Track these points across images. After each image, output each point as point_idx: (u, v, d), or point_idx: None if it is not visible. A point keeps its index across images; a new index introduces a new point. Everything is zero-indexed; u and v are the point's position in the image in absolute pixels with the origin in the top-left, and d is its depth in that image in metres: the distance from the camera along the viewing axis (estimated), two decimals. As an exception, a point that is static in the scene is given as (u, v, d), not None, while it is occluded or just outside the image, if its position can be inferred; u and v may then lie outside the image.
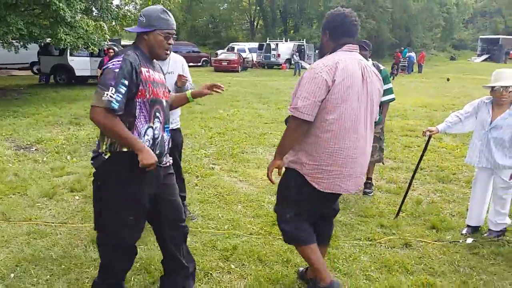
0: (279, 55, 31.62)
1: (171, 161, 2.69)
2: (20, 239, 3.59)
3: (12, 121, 8.72)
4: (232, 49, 33.35)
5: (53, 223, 3.96)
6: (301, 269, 3.14)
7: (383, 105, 4.73)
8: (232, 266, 3.25)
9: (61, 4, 9.95)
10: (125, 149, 2.33)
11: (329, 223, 3.01)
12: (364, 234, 3.88)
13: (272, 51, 31.81)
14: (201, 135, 8.04)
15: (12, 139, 7.36)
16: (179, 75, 3.65)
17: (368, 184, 4.99)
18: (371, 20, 38.93)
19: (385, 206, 4.61)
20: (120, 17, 13.82)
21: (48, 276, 3.04)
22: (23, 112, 9.92)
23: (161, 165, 2.51)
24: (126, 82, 2.26)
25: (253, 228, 3.93)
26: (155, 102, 2.43)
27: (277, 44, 31.96)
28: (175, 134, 3.79)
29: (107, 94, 2.21)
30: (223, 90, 2.88)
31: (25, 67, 20.84)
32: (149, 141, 2.42)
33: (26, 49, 13.74)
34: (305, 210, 2.74)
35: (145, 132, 2.39)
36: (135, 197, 2.41)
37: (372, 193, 4.96)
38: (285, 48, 31.56)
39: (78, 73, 16.61)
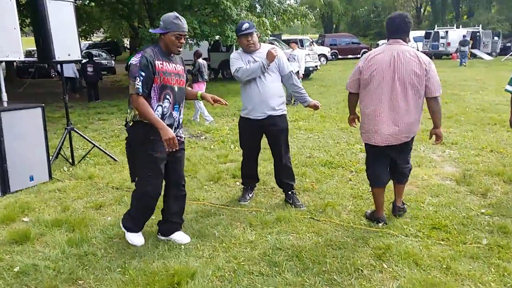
0: (449, 44, 28.86)
1: (184, 138, 3.53)
2: (189, 216, 4.04)
3: (186, 112, 9.79)
4: (396, 39, 31.63)
5: (217, 204, 4.36)
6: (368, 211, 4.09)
7: None
8: (384, 266, 3.12)
9: (228, 3, 10.77)
10: (140, 119, 3.15)
11: (396, 170, 3.86)
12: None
13: (440, 39, 29.21)
14: (357, 129, 7.83)
15: (185, 128, 8.32)
16: (268, 51, 3.95)
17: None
18: None
19: None
20: (281, 12, 14.31)
21: (211, 251, 3.37)
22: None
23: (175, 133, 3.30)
24: (143, 73, 3.07)
25: (409, 229, 3.71)
26: (165, 87, 3.21)
27: (446, 32, 29.22)
28: (280, 120, 4.19)
29: (135, 83, 3.05)
30: (225, 105, 3.56)
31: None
32: (159, 115, 3.18)
33: (199, 46, 15.25)
34: (372, 159, 3.85)
35: (155, 109, 3.18)
36: (151, 157, 3.22)
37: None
38: (456, 36, 28.49)
39: (242, 68, 17.79)
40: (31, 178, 4.93)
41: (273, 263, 3.18)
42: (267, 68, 4.00)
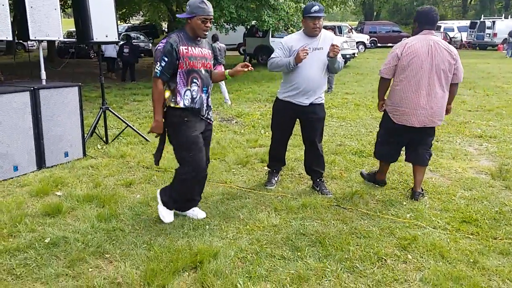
0: (495, 35, 27.59)
1: (213, 120, 3.60)
2: (216, 198, 4.09)
3: (219, 96, 9.83)
4: (438, 28, 30.60)
5: (243, 187, 4.38)
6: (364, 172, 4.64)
7: None
8: (409, 257, 3.06)
9: (266, -13, 10.68)
10: (172, 105, 3.29)
11: (418, 152, 4.10)
12: None
13: (486, 29, 27.96)
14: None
15: (217, 112, 8.37)
16: (332, 45, 3.89)
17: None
18: None
19: None
20: (319, -1, 14.05)
21: (235, 233, 3.40)
22: (229, 89, 11.11)
23: (203, 117, 3.44)
24: (166, 58, 3.19)
25: (438, 222, 3.61)
26: (191, 72, 3.29)
27: (493, 22, 27.92)
28: (320, 108, 4.17)
29: (156, 67, 3.21)
30: (251, 70, 3.54)
31: (233, 48, 23.24)
32: (188, 100, 3.31)
33: (235, 31, 15.19)
34: (392, 140, 4.15)
35: (184, 93, 3.29)
36: (190, 137, 3.31)
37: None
38: (503, 26, 27.17)
39: (277, 53, 17.66)
40: (66, 154, 5.11)
41: (296, 247, 3.17)
42: (292, 68, 3.94)
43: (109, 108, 6.15)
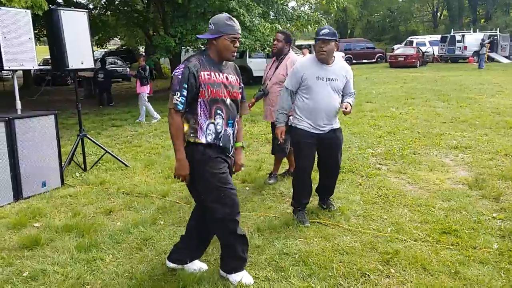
0: (465, 48, 28.47)
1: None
2: (198, 221, 4.05)
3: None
4: (411, 43, 31.44)
5: (225, 209, 4.35)
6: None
7: None
8: (392, 271, 3.08)
9: (241, 10, 10.88)
10: (191, 140, 2.77)
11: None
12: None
13: (457, 43, 28.85)
14: (370, 133, 7.81)
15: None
16: (344, 109, 3.82)
17: None
18: None
19: None
20: (294, 19, 14.36)
21: (217, 256, 3.34)
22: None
23: (229, 155, 2.91)
24: (187, 86, 2.68)
25: (418, 234, 3.66)
26: (215, 101, 2.76)
27: (463, 35, 28.84)
28: (340, 132, 4.02)
29: (174, 98, 2.69)
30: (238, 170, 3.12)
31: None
32: (212, 135, 2.78)
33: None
34: None
35: (207, 127, 2.77)
36: (217, 176, 2.78)
37: None
38: (473, 40, 28.13)
39: (255, 73, 17.83)
40: (44, 184, 5.02)
41: (280, 268, 3.17)
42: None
43: (87, 135, 6.09)
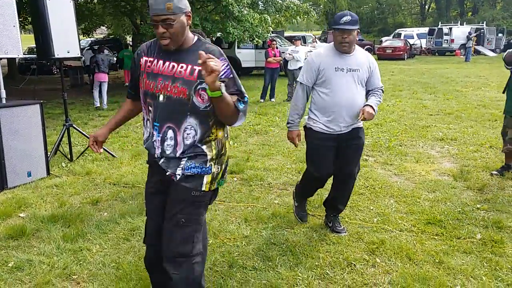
0: (452, 40, 28.76)
1: (179, 176, 2.14)
2: (185, 212, 4.05)
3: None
4: (399, 35, 31.59)
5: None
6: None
7: None
8: (377, 260, 3.13)
9: (230, 0, 10.79)
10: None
11: None
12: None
13: (444, 36, 29.11)
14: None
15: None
16: (362, 112, 3.19)
17: None
18: None
19: None
20: (283, 9, 14.30)
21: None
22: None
23: (159, 163, 2.19)
24: (131, 70, 2.35)
25: (404, 224, 3.71)
26: (146, 95, 2.19)
27: (450, 28, 29.11)
28: (359, 134, 3.39)
29: None
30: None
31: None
32: (145, 134, 2.29)
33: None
34: None
35: (145, 123, 2.26)
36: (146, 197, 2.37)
37: None
38: (460, 33, 28.44)
39: (244, 64, 17.73)
40: (29, 174, 4.96)
41: (267, 257, 3.19)
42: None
43: (73, 125, 6.02)
